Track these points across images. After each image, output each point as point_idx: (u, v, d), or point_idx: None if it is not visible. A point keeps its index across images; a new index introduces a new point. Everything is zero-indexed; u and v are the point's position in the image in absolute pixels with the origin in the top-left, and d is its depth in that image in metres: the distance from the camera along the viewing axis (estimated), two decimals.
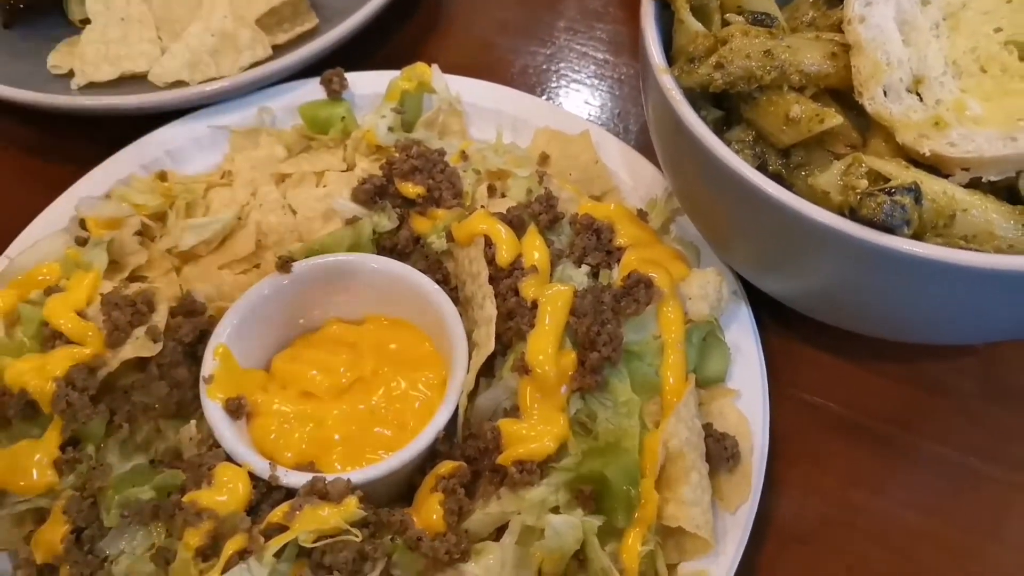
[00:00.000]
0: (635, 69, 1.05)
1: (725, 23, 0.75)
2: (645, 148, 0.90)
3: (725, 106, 0.76)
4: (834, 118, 0.69)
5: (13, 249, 0.84)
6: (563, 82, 1.04)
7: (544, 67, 1.06)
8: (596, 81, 1.04)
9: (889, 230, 0.61)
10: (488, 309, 0.72)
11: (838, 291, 0.72)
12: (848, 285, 0.70)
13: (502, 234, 0.76)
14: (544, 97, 1.02)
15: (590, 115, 0.96)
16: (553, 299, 0.72)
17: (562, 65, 1.06)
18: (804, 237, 0.66)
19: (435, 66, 0.94)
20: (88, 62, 0.97)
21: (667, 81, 0.70)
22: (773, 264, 0.75)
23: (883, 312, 0.72)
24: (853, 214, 0.62)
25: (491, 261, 0.76)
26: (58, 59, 1.00)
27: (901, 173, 0.65)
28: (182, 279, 0.83)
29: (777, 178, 0.73)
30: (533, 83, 1.04)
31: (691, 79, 0.72)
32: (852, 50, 0.70)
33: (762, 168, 0.74)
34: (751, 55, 0.71)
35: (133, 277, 0.83)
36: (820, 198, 0.67)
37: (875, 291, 0.68)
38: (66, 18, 1.04)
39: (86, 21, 1.01)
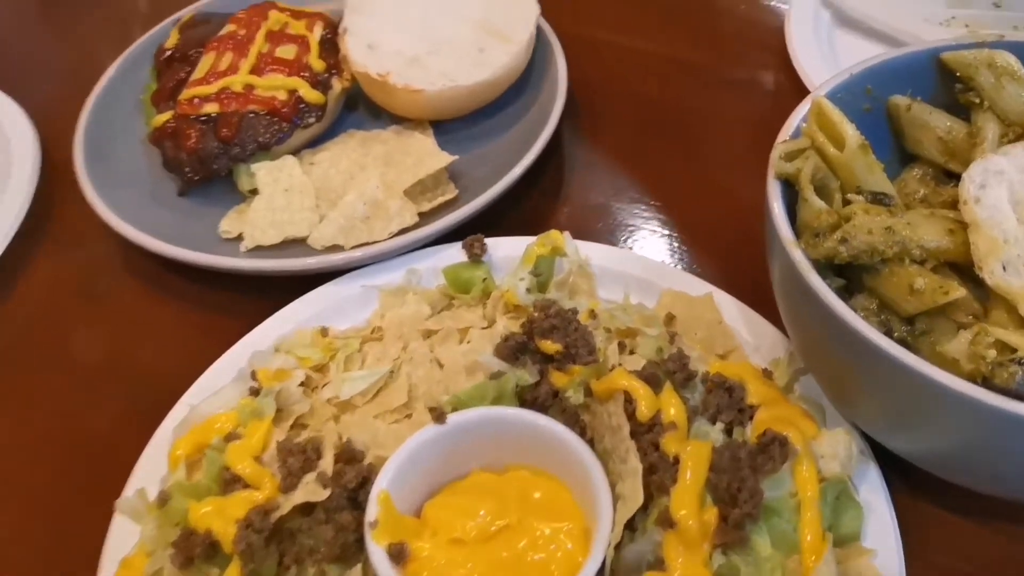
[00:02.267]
0: (746, 235, 1.12)
1: (846, 202, 0.83)
2: (763, 308, 0.97)
3: (847, 275, 0.83)
4: (957, 291, 0.75)
5: (193, 396, 0.94)
6: (681, 246, 1.12)
7: (662, 232, 1.14)
8: (711, 246, 1.11)
9: (1021, 398, 0.65)
10: (632, 463, 0.78)
11: (968, 453, 0.75)
12: (979, 448, 0.73)
13: (641, 391, 0.82)
14: (663, 260, 1.09)
15: (708, 277, 1.02)
16: (694, 455, 0.77)
17: (678, 230, 1.14)
18: (936, 401, 0.70)
19: (567, 233, 1.03)
20: (256, 227, 1.10)
21: (797, 255, 0.77)
22: (902, 425, 0.79)
23: (1014, 476, 0.75)
24: (987, 383, 0.67)
25: (630, 416, 0.82)
26: (228, 224, 1.13)
27: None
28: (341, 427, 0.90)
29: (902, 344, 0.78)
30: (655, 247, 1.12)
31: (817, 252, 0.78)
32: (969, 228, 0.76)
33: (888, 334, 0.79)
34: (873, 231, 0.78)
35: (296, 424, 0.91)
36: (950, 365, 0.72)
37: (1007, 455, 0.72)
38: (234, 187, 1.17)
39: (253, 191, 1.14)
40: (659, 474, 0.77)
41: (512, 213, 1.16)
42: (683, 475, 0.76)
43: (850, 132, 0.80)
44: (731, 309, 0.97)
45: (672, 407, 0.82)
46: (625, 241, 1.13)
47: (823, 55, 1.27)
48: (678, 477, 0.76)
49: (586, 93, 1.31)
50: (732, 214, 1.14)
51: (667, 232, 1.14)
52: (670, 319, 0.97)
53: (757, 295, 0.99)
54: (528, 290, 0.99)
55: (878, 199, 0.81)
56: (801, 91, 1.22)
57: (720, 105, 1.28)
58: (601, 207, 1.17)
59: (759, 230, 1.09)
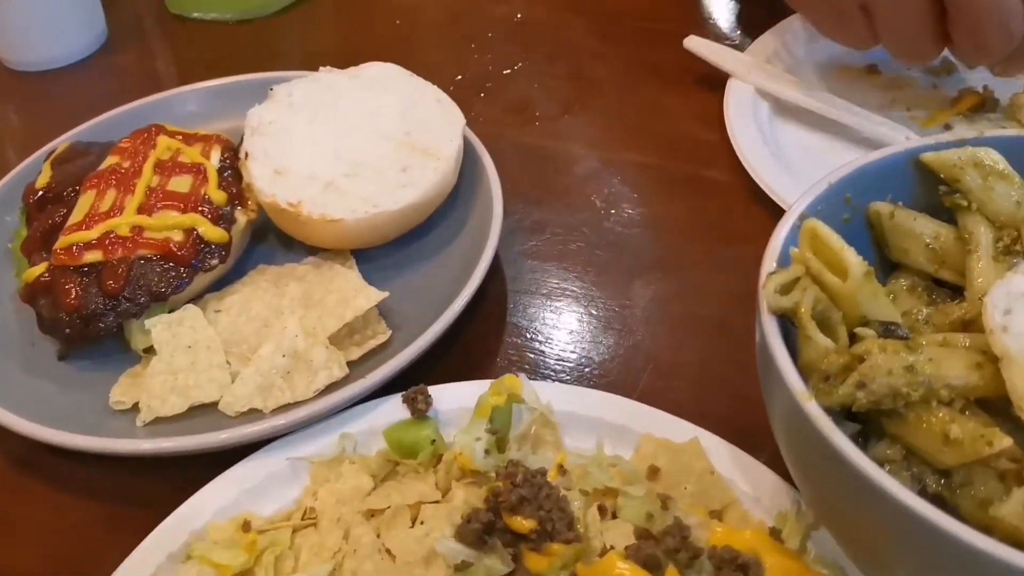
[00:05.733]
0: (720, 361, 1.01)
1: (851, 336, 0.72)
2: (752, 446, 0.85)
3: (859, 418, 0.72)
4: (1002, 440, 0.64)
5: None
6: (652, 380, 0.99)
7: (627, 364, 1.01)
8: (683, 378, 0.99)
9: None
10: None
11: None
12: None
13: None
14: (634, 398, 0.95)
15: (686, 416, 0.90)
16: None
17: (644, 360, 1.01)
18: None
19: (522, 376, 0.90)
20: (155, 395, 0.92)
21: (814, 410, 0.65)
22: None
23: None
24: None
25: None
26: (121, 393, 0.95)
27: None
28: None
29: (939, 500, 0.68)
30: (622, 383, 0.98)
31: (831, 399, 0.68)
32: (1001, 363, 0.66)
33: (922, 491, 0.69)
34: (893, 371, 0.67)
35: None
36: (1010, 532, 0.61)
37: None
38: (126, 346, 0.99)
39: (149, 350, 0.97)
40: None
41: (451, 351, 1.02)
42: None
43: (853, 260, 0.70)
44: (721, 453, 0.85)
45: None
46: (588, 376, 1.00)
47: (769, 150, 1.19)
48: None
49: (521, 204, 1.19)
50: (700, 337, 1.03)
51: (634, 364, 1.01)
52: (654, 472, 0.84)
53: (744, 432, 0.88)
54: (487, 451, 0.85)
55: (891, 331, 0.71)
56: (752, 188, 1.14)
57: (673, 211, 1.18)
58: (553, 338, 1.04)
59: (735, 354, 0.99)
